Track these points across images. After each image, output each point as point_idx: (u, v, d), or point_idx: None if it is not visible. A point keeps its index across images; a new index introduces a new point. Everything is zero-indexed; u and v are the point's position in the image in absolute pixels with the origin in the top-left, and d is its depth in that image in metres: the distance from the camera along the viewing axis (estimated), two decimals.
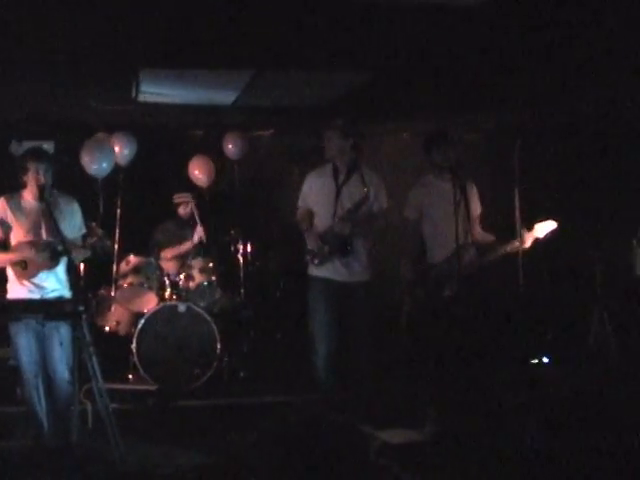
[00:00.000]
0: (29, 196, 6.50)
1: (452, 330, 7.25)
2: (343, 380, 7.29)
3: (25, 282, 6.43)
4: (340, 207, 7.18)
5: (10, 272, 6.49)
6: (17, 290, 6.47)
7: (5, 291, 6.57)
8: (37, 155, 6.59)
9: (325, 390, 7.19)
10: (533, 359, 8.35)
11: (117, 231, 9.02)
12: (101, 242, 6.58)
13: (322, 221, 7.26)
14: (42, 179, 6.40)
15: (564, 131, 9.58)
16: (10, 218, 6.47)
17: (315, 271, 7.26)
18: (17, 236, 6.46)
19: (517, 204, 7.36)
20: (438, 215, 7.25)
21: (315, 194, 7.34)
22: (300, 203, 7.45)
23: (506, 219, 7.49)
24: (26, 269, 6.37)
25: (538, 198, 8.90)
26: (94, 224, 6.72)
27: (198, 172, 9.81)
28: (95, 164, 8.84)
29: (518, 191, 7.69)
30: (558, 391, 7.07)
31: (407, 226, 7.47)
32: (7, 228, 6.47)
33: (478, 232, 7.43)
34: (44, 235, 6.44)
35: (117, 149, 9.30)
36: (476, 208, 7.43)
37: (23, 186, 6.50)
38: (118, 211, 9.03)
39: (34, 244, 6.38)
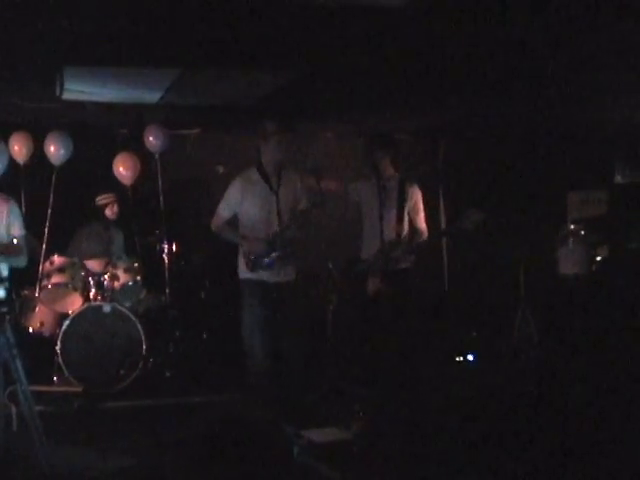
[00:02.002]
0: None
1: (378, 327, 7.32)
2: (275, 380, 7.27)
3: None
4: (282, 210, 7.19)
5: None
6: None
7: None
8: None
9: (260, 392, 7.16)
10: (458, 356, 8.45)
11: (46, 232, 8.87)
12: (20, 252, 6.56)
13: (260, 227, 7.23)
14: None
15: (488, 131, 9.69)
16: None
17: (248, 274, 7.23)
18: None
19: (442, 203, 7.47)
20: (371, 213, 7.39)
21: (249, 201, 7.26)
22: (223, 211, 7.38)
23: (431, 218, 7.60)
24: None
25: (462, 197, 9.03)
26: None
27: (122, 169, 9.70)
28: None
29: (442, 190, 7.80)
30: (483, 388, 7.17)
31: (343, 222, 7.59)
32: None
33: (418, 232, 7.52)
34: None
35: (52, 149, 9.16)
36: (416, 207, 7.50)
37: None
38: (49, 211, 8.89)
39: None
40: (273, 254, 7.10)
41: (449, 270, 8.21)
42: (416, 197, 7.63)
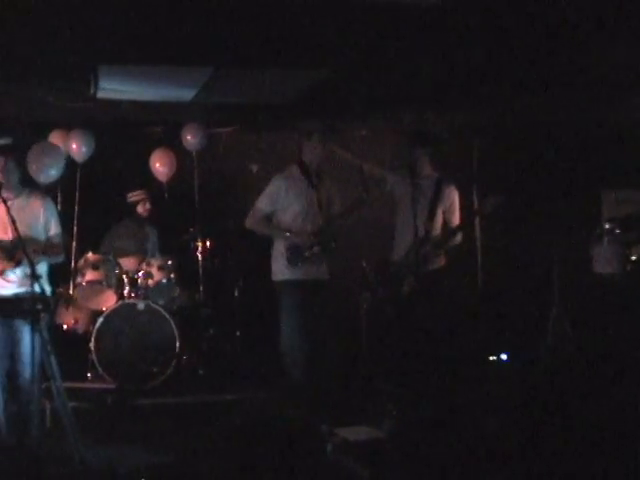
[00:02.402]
0: None
1: (411, 327, 7.28)
2: (311, 379, 7.25)
3: None
4: (324, 204, 7.26)
5: None
6: None
7: None
8: None
9: (295, 390, 7.15)
10: (491, 356, 8.41)
11: (75, 229, 8.93)
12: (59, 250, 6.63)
13: (300, 223, 7.25)
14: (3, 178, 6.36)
15: (523, 131, 9.64)
16: None
17: (287, 274, 7.23)
18: None
19: (475, 203, 7.42)
20: (404, 210, 7.35)
21: (290, 197, 7.27)
22: (264, 206, 7.36)
23: (464, 217, 7.54)
24: None
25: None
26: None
27: (159, 165, 9.74)
28: (42, 172, 8.73)
29: (477, 189, 7.74)
30: (516, 388, 7.12)
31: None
32: None
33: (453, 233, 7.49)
34: (9, 234, 6.39)
35: (74, 146, 9.23)
36: (452, 209, 7.47)
37: None
38: (76, 208, 8.93)
39: None
40: (315, 248, 7.12)
41: (483, 269, 8.14)
42: (453, 198, 7.52)
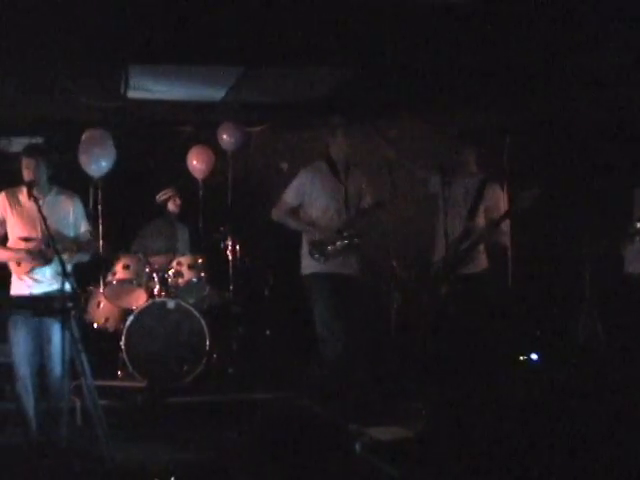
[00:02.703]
0: (26, 192, 6.53)
1: (443, 327, 7.25)
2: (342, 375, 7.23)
3: (23, 277, 6.47)
4: (350, 200, 7.26)
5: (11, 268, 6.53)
6: (17, 285, 6.55)
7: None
8: (26, 151, 6.60)
9: (325, 388, 7.14)
10: (522, 356, 8.36)
11: (100, 228, 8.94)
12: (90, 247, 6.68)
13: (327, 217, 7.25)
14: (30, 175, 6.40)
15: (553, 129, 9.57)
16: (8, 213, 6.51)
17: (318, 267, 7.21)
18: (14, 231, 6.51)
19: (505, 201, 7.35)
20: (447, 210, 7.18)
21: (317, 191, 7.29)
22: (289, 198, 7.37)
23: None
24: (20, 265, 6.41)
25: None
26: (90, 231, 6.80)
27: (197, 162, 9.76)
28: (93, 163, 8.75)
29: (507, 189, 7.67)
30: (547, 388, 7.08)
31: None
32: (4, 223, 6.52)
33: (497, 233, 7.32)
34: (39, 232, 6.45)
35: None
36: (496, 208, 7.34)
37: (22, 182, 6.53)
38: (99, 208, 8.95)
39: (26, 241, 6.39)
40: (339, 243, 7.11)
41: (513, 268, 8.08)
42: (496, 197, 7.37)
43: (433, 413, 6.83)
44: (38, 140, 9.04)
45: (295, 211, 7.37)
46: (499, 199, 7.33)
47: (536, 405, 6.66)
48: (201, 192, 9.76)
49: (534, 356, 8.37)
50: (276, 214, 7.43)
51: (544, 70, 7.45)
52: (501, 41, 6.63)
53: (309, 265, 7.27)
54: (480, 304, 7.29)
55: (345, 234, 7.14)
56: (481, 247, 7.25)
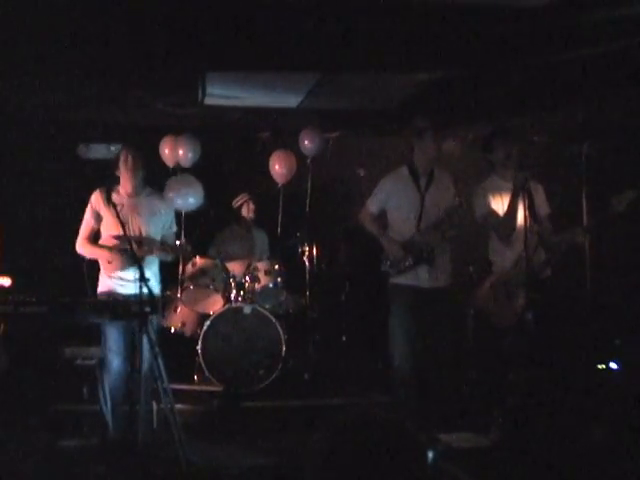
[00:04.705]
0: (121, 190, 6.64)
1: (520, 335, 7.14)
2: (421, 386, 7.16)
3: (112, 275, 6.62)
4: (425, 215, 7.04)
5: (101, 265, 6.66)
6: (105, 283, 6.70)
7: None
8: (127, 148, 6.74)
9: (402, 394, 7.08)
10: (601, 365, 8.23)
11: (182, 233, 9.02)
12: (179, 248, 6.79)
13: (404, 228, 7.11)
14: (130, 174, 6.57)
15: (634, 131, 9.41)
16: (102, 211, 6.65)
17: (397, 279, 7.08)
18: (107, 228, 6.67)
19: (585, 206, 7.25)
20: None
21: (396, 199, 7.17)
22: (371, 205, 7.28)
23: (573, 222, 7.37)
24: (110, 263, 6.53)
25: (607, 200, 8.77)
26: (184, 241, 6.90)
27: (279, 167, 9.76)
28: (180, 199, 8.85)
29: (586, 193, 7.55)
30: (626, 397, 6.97)
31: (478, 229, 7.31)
32: (100, 219, 6.67)
33: (547, 232, 7.11)
34: (131, 230, 6.56)
35: (181, 152, 9.31)
36: (543, 208, 7.18)
37: (117, 181, 6.64)
38: (183, 213, 9.02)
39: (118, 239, 6.50)
40: (409, 260, 7.02)
41: (592, 274, 7.95)
42: (542, 196, 7.25)
43: (510, 421, 6.77)
44: (116, 147, 9.14)
45: (377, 218, 7.30)
46: (543, 197, 7.16)
47: (615, 414, 6.57)
48: (281, 197, 9.76)
49: (613, 365, 8.24)
50: (360, 219, 7.38)
51: (618, 71, 7.34)
52: (578, 42, 6.55)
53: (391, 274, 7.20)
54: (552, 308, 7.18)
55: (414, 249, 7.01)
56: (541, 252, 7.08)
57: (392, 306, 7.16)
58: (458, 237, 7.11)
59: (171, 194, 8.68)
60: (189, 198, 8.83)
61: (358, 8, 5.61)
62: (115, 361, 6.52)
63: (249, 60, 7.03)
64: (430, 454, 5.52)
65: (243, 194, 9.50)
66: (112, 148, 8.54)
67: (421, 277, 7.03)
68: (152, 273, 6.66)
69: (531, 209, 6.87)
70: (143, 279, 6.05)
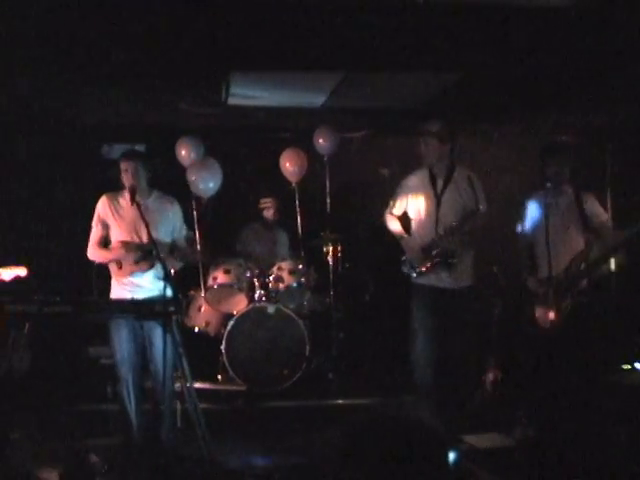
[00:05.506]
0: (127, 196, 6.61)
1: (544, 335, 7.10)
2: (443, 385, 7.13)
3: (124, 281, 6.57)
4: (441, 217, 7.01)
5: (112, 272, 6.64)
6: (116, 289, 6.65)
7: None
8: (127, 155, 6.71)
9: (424, 395, 7.07)
10: (626, 365, 8.19)
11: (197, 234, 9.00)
12: (191, 251, 6.73)
13: (422, 231, 7.10)
14: (130, 179, 6.50)
15: None
16: (110, 217, 6.63)
17: (419, 279, 7.08)
18: (115, 235, 6.63)
19: (609, 207, 7.19)
20: (552, 227, 6.90)
21: (413, 202, 7.18)
22: (392, 204, 7.31)
23: None
24: (121, 269, 6.50)
25: (631, 201, 8.72)
26: (191, 233, 6.86)
27: (289, 165, 9.72)
28: (202, 184, 8.84)
29: (610, 194, 7.50)
30: None
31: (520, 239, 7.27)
32: (107, 226, 6.63)
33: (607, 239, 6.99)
34: (140, 236, 6.54)
35: (183, 152, 9.18)
36: (597, 215, 7.09)
37: (123, 187, 6.63)
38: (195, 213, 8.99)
39: (127, 245, 6.50)
40: (427, 263, 7.00)
41: (616, 276, 7.90)
42: (595, 206, 7.15)
43: (535, 421, 6.74)
44: (139, 147, 9.16)
45: (399, 219, 7.29)
46: (598, 207, 7.10)
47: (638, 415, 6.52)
48: (297, 196, 9.71)
49: (638, 365, 8.20)
50: (384, 220, 7.38)
51: None
52: (604, 42, 6.51)
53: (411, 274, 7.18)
54: (585, 313, 7.12)
55: (433, 252, 6.97)
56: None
57: (413, 306, 7.17)
58: (474, 242, 7.06)
59: (193, 177, 8.72)
60: (210, 183, 8.82)
61: (382, 7, 5.60)
62: (124, 363, 6.52)
63: (273, 59, 7.02)
64: (453, 454, 5.52)
65: (270, 199, 9.51)
66: (136, 148, 8.57)
67: (442, 278, 7.01)
68: (156, 279, 6.59)
69: (582, 220, 6.87)
70: (167, 279, 6.06)
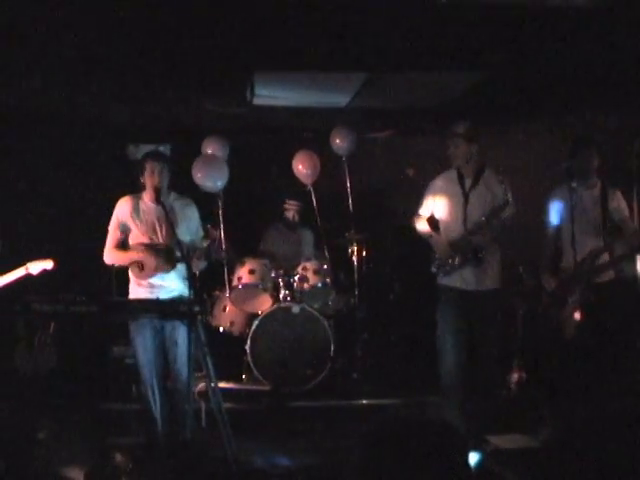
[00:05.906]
0: (147, 198, 6.61)
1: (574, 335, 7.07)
2: (467, 387, 7.10)
3: (143, 282, 6.55)
4: (469, 214, 6.98)
5: (130, 273, 6.64)
6: (136, 290, 6.61)
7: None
8: (152, 156, 6.71)
9: (449, 396, 7.05)
10: None
11: (222, 233, 9.00)
12: (214, 247, 6.68)
13: (450, 229, 7.06)
14: (157, 180, 6.51)
15: None
16: (129, 219, 6.60)
17: (444, 280, 7.05)
18: (135, 237, 6.61)
19: (636, 204, 7.15)
20: (576, 222, 6.96)
21: (441, 201, 7.14)
22: (422, 206, 7.26)
23: None
24: (142, 270, 6.48)
25: None
26: (210, 226, 6.82)
27: (302, 167, 9.70)
28: (209, 181, 8.86)
29: (637, 191, 7.46)
30: None
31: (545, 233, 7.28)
32: (127, 228, 6.62)
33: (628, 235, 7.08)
34: (160, 238, 6.55)
35: (210, 152, 9.29)
36: (619, 211, 7.13)
37: (142, 188, 6.63)
38: (220, 213, 8.99)
39: (149, 246, 6.50)
40: (456, 261, 6.99)
41: None
42: (620, 202, 7.15)
43: (560, 422, 6.71)
44: (165, 147, 9.19)
45: (428, 220, 7.26)
46: (622, 203, 7.11)
47: None
48: (313, 197, 9.67)
49: None
50: (412, 221, 7.36)
51: None
52: (631, 42, 6.48)
53: (438, 276, 7.16)
54: (609, 312, 7.09)
55: (461, 250, 6.98)
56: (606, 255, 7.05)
57: (439, 306, 7.14)
58: (499, 238, 7.04)
59: (199, 175, 8.74)
60: (217, 181, 8.82)
61: (405, 7, 5.60)
62: (147, 363, 6.54)
63: (298, 60, 7.03)
64: (476, 455, 5.50)
65: (295, 202, 9.53)
66: (161, 148, 8.60)
67: (467, 279, 6.97)
68: (176, 280, 6.60)
69: (603, 216, 6.88)
70: (190, 279, 6.07)
